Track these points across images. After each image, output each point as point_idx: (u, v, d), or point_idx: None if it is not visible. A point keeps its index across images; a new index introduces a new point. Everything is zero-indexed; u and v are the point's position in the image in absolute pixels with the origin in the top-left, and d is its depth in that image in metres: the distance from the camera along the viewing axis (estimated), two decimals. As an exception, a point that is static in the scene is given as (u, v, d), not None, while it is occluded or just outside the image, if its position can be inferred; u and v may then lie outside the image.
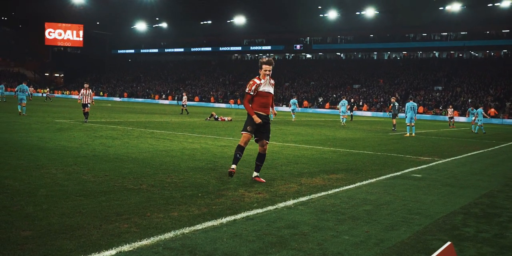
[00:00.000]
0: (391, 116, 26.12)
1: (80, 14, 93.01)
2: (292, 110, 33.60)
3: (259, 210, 5.77)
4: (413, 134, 21.27)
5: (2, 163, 8.26)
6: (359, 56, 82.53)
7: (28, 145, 10.92)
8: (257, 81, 7.59)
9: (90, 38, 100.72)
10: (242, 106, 61.79)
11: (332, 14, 75.66)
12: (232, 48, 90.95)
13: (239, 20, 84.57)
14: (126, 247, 4.15)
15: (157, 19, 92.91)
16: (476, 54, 74.40)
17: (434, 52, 76.28)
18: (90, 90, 21.09)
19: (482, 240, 4.98)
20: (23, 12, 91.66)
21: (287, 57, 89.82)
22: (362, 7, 71.91)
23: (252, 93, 7.58)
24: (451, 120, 34.58)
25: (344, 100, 29.71)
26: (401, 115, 27.75)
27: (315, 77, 76.60)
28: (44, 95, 58.66)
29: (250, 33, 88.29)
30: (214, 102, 73.75)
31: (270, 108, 7.94)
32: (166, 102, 77.13)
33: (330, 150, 13.41)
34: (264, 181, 7.70)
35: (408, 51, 77.75)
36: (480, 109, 26.98)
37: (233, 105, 69.37)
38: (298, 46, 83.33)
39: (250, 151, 11.57)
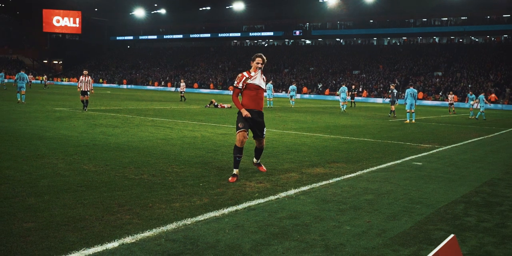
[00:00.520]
0: (389, 102, 26.12)
1: (78, 0, 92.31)
2: (291, 96, 33.46)
3: (261, 200, 5.77)
4: (413, 121, 21.27)
5: (3, 152, 8.25)
6: (359, 41, 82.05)
7: (28, 134, 10.90)
8: (246, 75, 7.13)
9: (88, 25, 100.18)
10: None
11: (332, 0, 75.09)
12: (231, 34, 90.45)
13: (238, 6, 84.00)
14: (128, 239, 4.15)
15: (155, 5, 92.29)
16: (477, 39, 73.93)
17: (434, 37, 75.83)
18: (89, 77, 20.90)
19: (483, 230, 4.99)
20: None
21: (286, 43, 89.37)
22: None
23: (240, 86, 7.13)
24: (451, 106, 34.56)
25: (344, 86, 29.64)
26: (400, 101, 27.68)
27: (314, 63, 76.26)
28: (43, 82, 58.45)
29: (249, 19, 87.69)
30: (213, 89, 73.44)
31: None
32: (161, 88, 76.67)
33: (330, 137, 13.40)
34: (265, 170, 7.69)
35: (408, 37, 77.29)
36: (482, 95, 26.95)
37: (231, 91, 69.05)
38: (297, 32, 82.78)
39: (251, 139, 11.53)
